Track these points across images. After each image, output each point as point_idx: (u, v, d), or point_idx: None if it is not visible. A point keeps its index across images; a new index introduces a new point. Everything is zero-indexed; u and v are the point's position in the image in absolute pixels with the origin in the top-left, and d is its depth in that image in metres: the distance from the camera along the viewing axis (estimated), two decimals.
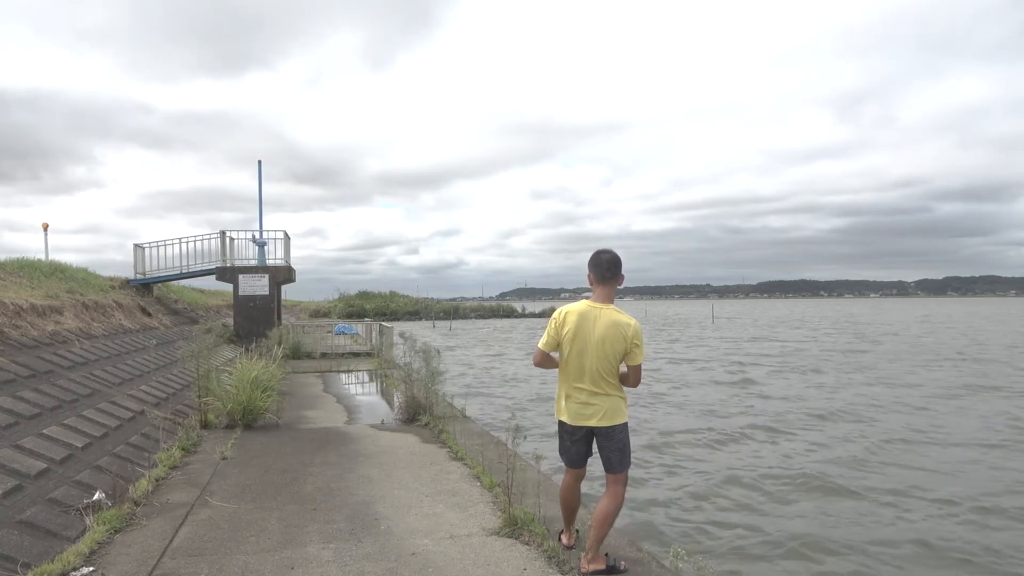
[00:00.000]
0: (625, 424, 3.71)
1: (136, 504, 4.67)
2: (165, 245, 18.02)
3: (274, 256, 18.55)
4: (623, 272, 3.75)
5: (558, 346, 3.73)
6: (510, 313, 74.87)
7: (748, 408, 13.19)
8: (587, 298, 3.77)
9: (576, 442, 3.74)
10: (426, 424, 7.75)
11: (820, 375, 18.50)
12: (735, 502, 7.23)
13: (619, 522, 4.09)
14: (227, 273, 17.64)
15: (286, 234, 18.84)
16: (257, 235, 18.56)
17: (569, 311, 3.72)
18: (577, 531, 4.03)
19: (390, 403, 9.62)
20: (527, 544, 3.99)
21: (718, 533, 6.35)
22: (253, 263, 18.03)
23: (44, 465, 4.74)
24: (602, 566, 3.58)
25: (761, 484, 7.85)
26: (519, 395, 15.18)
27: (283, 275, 18.19)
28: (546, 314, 67.44)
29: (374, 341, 18.05)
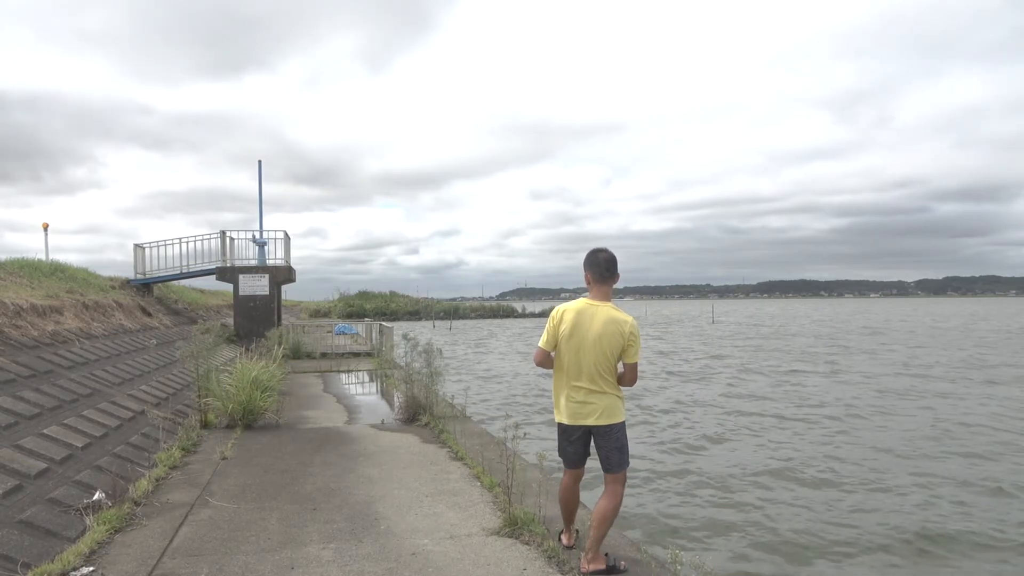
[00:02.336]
0: (623, 423, 3.71)
1: (136, 504, 4.68)
2: (165, 245, 18.04)
3: (274, 256, 18.56)
4: (618, 271, 3.76)
5: (557, 345, 3.73)
6: (510, 313, 74.86)
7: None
8: (586, 297, 3.77)
9: (574, 442, 3.74)
10: (426, 424, 7.75)
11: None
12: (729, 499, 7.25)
13: (618, 521, 4.09)
14: (227, 273, 17.65)
15: (286, 234, 18.87)
16: (257, 235, 18.56)
17: (567, 309, 3.71)
18: (577, 531, 4.03)
19: (390, 403, 9.62)
20: (527, 544, 3.99)
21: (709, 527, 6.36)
22: (253, 263, 18.04)
23: (44, 465, 4.74)
24: (602, 566, 3.57)
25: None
26: (516, 392, 15.19)
27: (283, 275, 18.19)
28: (546, 314, 67.28)
29: (374, 341, 18.05)
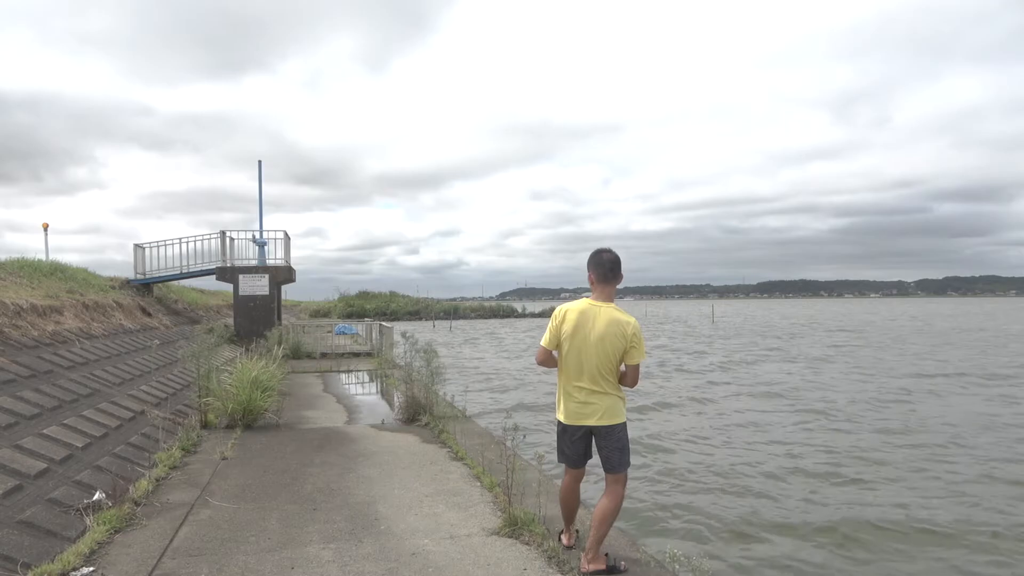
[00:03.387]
0: (624, 424, 3.70)
1: (136, 504, 4.67)
2: (165, 245, 18.04)
3: (274, 256, 18.57)
4: (622, 272, 3.76)
5: (559, 344, 3.73)
6: (510, 313, 74.82)
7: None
8: (587, 297, 3.77)
9: (575, 442, 3.73)
10: (426, 424, 7.75)
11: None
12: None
13: (618, 521, 4.10)
14: (227, 273, 17.65)
15: (286, 234, 18.87)
16: (257, 235, 18.57)
17: (569, 309, 3.71)
18: (577, 531, 4.03)
19: (390, 403, 9.61)
20: (527, 544, 3.99)
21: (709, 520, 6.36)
22: (253, 263, 18.04)
23: (44, 465, 4.74)
24: (602, 566, 3.57)
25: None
26: (515, 391, 15.19)
27: (283, 275, 18.19)
28: (546, 314, 67.48)
29: (374, 341, 18.05)
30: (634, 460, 4.20)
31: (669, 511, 6.98)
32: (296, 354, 15.75)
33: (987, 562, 5.68)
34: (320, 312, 55.86)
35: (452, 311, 68.71)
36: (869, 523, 6.58)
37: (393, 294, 71.50)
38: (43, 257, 13.95)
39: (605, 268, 3.69)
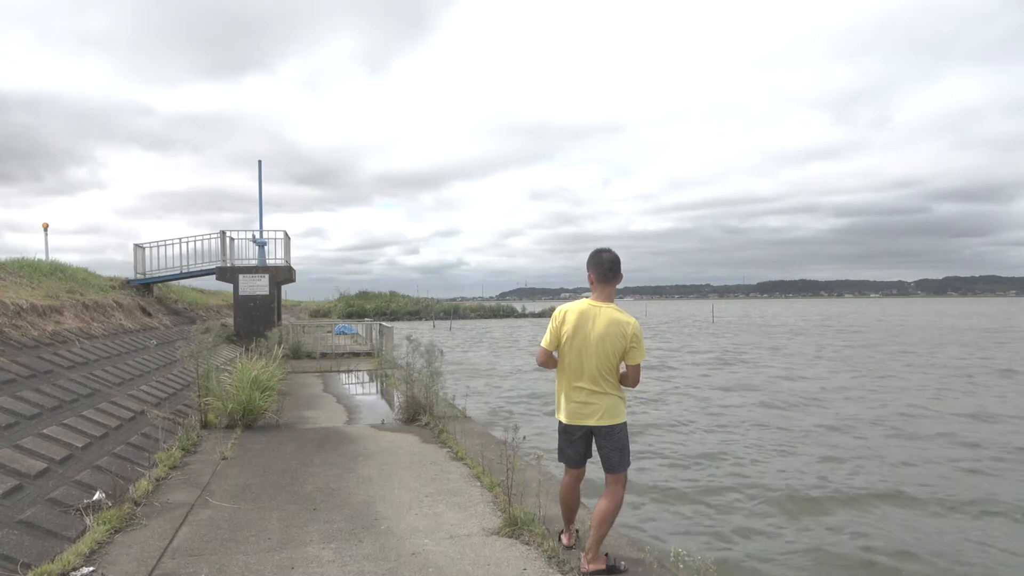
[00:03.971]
0: (624, 424, 3.70)
1: (136, 504, 4.67)
2: (165, 245, 18.04)
3: (274, 256, 18.56)
4: (622, 272, 3.76)
5: (559, 345, 3.73)
6: (510, 313, 74.80)
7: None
8: (587, 297, 3.77)
9: (575, 442, 3.74)
10: (426, 424, 7.75)
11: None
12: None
13: (618, 521, 4.11)
14: (227, 273, 17.64)
15: (286, 234, 18.87)
16: (257, 235, 18.56)
17: (569, 309, 3.71)
18: (577, 531, 4.03)
19: (390, 403, 9.61)
20: (527, 544, 3.99)
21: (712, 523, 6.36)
22: (253, 263, 18.04)
23: (44, 465, 4.74)
24: (602, 566, 3.57)
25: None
26: (514, 391, 15.19)
27: (283, 275, 18.19)
28: (546, 314, 67.47)
29: (374, 341, 18.05)
30: (632, 451, 4.24)
31: (666, 502, 7.02)
32: (296, 354, 15.74)
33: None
34: (320, 312, 55.86)
35: (452, 311, 68.70)
36: (858, 502, 6.92)
37: (393, 294, 71.52)
38: (43, 257, 13.95)
39: (605, 268, 3.69)
